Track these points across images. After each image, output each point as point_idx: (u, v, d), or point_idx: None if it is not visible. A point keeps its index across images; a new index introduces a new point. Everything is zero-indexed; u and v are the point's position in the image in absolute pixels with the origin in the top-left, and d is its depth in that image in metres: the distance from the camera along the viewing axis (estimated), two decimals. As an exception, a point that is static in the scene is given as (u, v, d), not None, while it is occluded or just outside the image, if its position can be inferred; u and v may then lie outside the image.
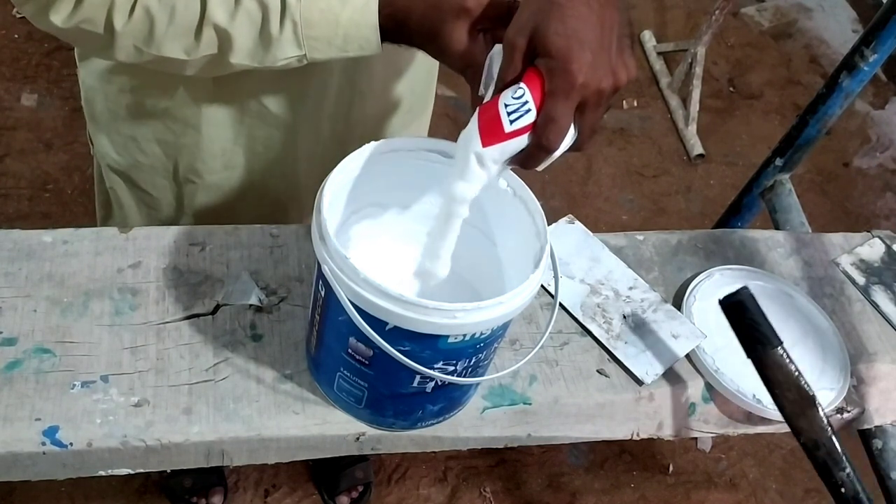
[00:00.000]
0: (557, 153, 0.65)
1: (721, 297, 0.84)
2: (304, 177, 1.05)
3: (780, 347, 0.81)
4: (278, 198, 1.07)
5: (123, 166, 1.03)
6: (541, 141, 0.63)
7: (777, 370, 0.81)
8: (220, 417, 0.79)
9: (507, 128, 0.63)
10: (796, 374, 0.81)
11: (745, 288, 0.83)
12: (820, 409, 0.81)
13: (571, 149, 0.67)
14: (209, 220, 1.03)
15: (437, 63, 1.09)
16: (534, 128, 0.63)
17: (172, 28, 0.73)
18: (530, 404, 0.87)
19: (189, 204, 1.05)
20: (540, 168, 0.67)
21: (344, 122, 1.01)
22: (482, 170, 0.65)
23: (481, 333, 0.69)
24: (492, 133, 0.63)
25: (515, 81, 0.63)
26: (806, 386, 0.81)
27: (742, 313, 0.82)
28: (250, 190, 1.04)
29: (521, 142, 0.64)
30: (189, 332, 0.84)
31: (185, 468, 0.80)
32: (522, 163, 0.66)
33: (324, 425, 0.80)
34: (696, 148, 2.46)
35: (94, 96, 0.98)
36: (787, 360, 0.81)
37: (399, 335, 0.67)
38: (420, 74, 1.06)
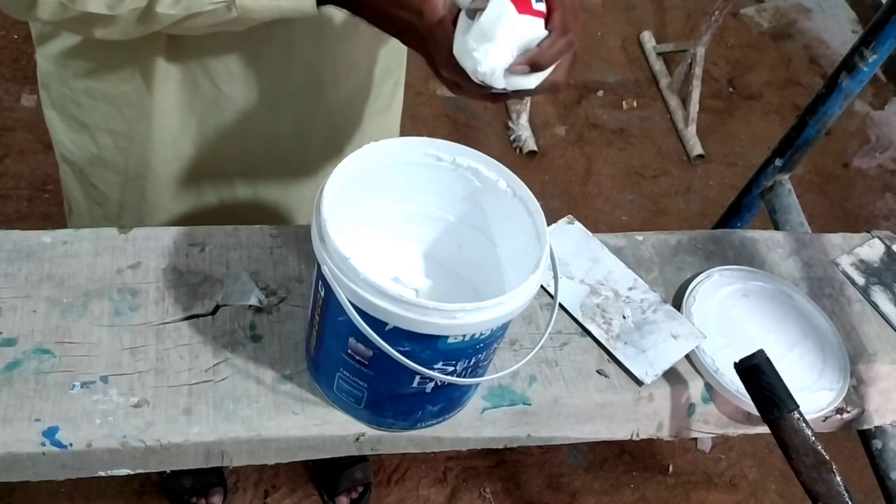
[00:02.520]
0: (544, 74, 0.71)
1: (736, 360, 0.85)
2: (265, 174, 1.03)
3: (796, 412, 0.82)
4: (235, 197, 1.04)
5: (77, 157, 1.01)
6: (553, 47, 0.69)
7: (793, 434, 0.82)
8: (219, 418, 0.79)
9: (534, 5, 0.69)
10: (812, 438, 0.81)
11: (760, 351, 0.84)
12: (836, 474, 0.81)
13: (544, 88, 0.72)
14: (161, 222, 1.02)
15: (402, 63, 1.09)
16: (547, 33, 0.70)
17: None
18: (530, 405, 0.86)
19: (137, 203, 1.03)
20: (531, 84, 0.71)
21: (307, 118, 0.99)
22: (511, 37, 0.68)
23: (481, 334, 0.69)
24: (523, 4, 0.69)
25: None
26: (822, 450, 0.81)
27: (758, 377, 0.83)
28: (206, 186, 1.02)
29: (537, 30, 0.69)
30: (189, 332, 0.84)
31: (184, 468, 0.80)
32: (529, 61, 0.69)
33: (324, 426, 0.80)
34: (696, 148, 2.46)
35: (50, 81, 0.97)
36: (804, 425, 0.82)
37: (399, 335, 0.67)
38: (384, 69, 1.05)
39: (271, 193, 1.05)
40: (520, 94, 0.72)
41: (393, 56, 1.06)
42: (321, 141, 1.03)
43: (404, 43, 0.76)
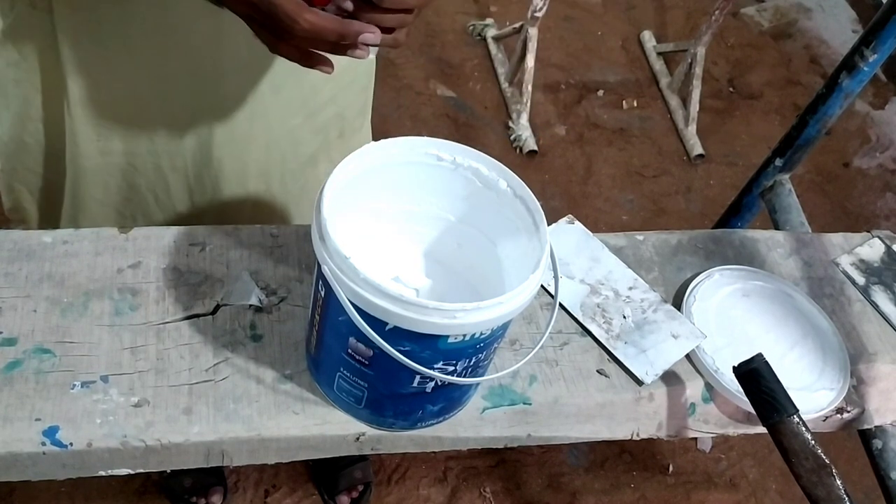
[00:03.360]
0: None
1: (735, 364, 0.85)
2: (199, 175, 1.00)
3: (795, 416, 0.82)
4: (170, 195, 1.01)
5: (10, 148, 0.99)
6: None
7: (793, 438, 0.82)
8: (220, 417, 0.79)
9: None
10: (812, 442, 0.81)
11: (759, 355, 0.83)
12: (837, 477, 0.81)
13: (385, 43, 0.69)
14: (94, 216, 1.01)
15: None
16: None
17: None
18: (530, 404, 0.87)
19: (72, 193, 1.01)
20: (368, 41, 0.67)
21: (242, 122, 0.96)
22: None
23: (481, 333, 0.69)
24: None
25: None
26: (822, 454, 0.81)
27: (757, 381, 0.83)
28: (139, 181, 0.99)
29: None
30: (189, 332, 0.84)
31: (184, 468, 0.80)
32: None
33: (324, 425, 0.80)
34: (696, 148, 2.46)
35: None
36: (803, 429, 0.82)
37: (399, 335, 0.67)
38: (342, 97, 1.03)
39: (206, 195, 1.02)
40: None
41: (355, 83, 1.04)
42: (260, 153, 1.00)
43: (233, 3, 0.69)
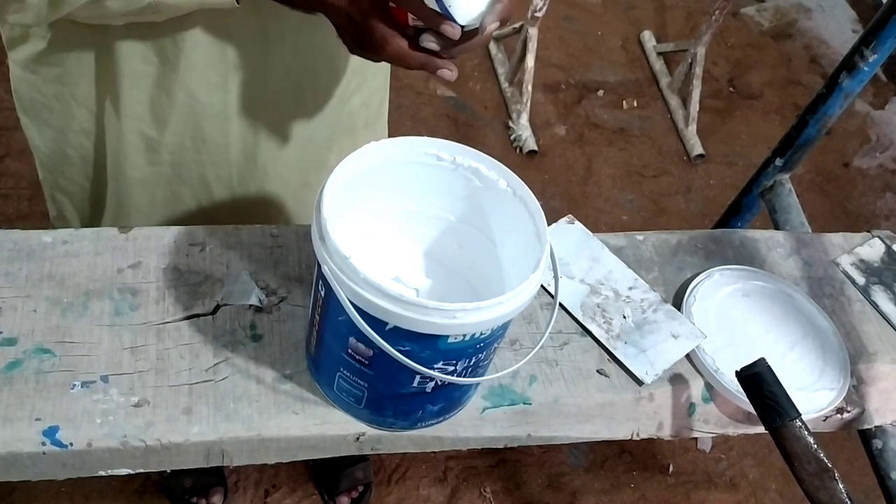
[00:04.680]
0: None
1: (738, 368, 0.85)
2: (243, 180, 1.02)
3: (797, 419, 0.82)
4: (213, 202, 1.03)
5: (53, 161, 1.01)
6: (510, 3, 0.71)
7: (795, 442, 0.82)
8: (220, 417, 0.79)
9: None
10: (815, 446, 0.81)
11: (762, 359, 0.83)
12: (839, 481, 0.81)
13: (471, 46, 0.73)
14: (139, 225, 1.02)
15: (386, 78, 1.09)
16: None
17: None
18: (530, 404, 0.86)
19: (115, 205, 1.02)
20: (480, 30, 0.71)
21: (285, 125, 0.98)
22: None
23: (481, 333, 0.69)
24: None
25: None
26: (825, 458, 0.81)
27: (760, 385, 0.83)
28: (183, 190, 1.01)
29: None
30: (189, 332, 0.84)
31: (184, 468, 0.80)
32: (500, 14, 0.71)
33: (324, 425, 0.80)
34: (696, 148, 2.46)
35: (21, 87, 0.96)
36: (806, 433, 0.82)
37: (399, 335, 0.67)
38: (368, 82, 1.04)
39: (249, 199, 1.04)
40: (449, 46, 0.72)
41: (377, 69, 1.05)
42: (299, 149, 1.02)
43: (332, 12, 0.74)
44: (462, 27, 0.70)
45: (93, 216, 1.07)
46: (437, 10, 0.69)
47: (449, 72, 0.73)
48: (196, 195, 1.02)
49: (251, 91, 0.93)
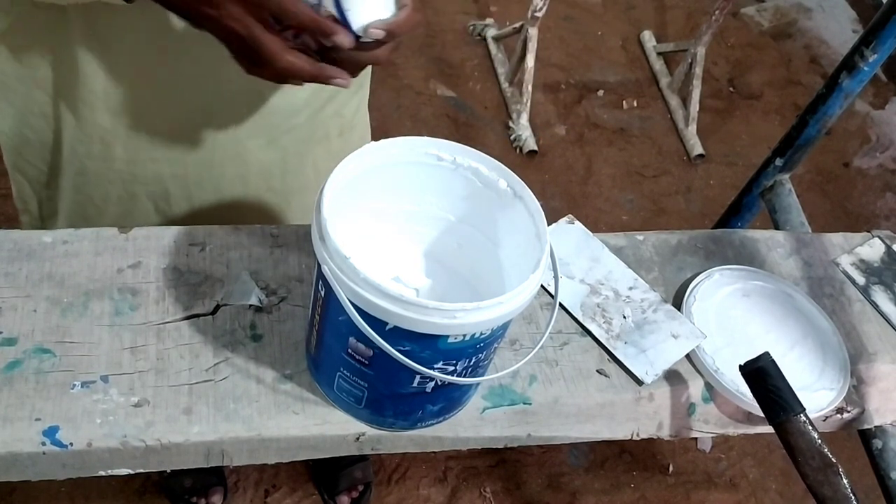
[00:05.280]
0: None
1: (741, 363, 0.84)
2: (200, 181, 1.00)
3: (802, 414, 0.81)
4: (169, 203, 1.02)
5: (14, 142, 0.99)
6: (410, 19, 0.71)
7: (800, 437, 0.82)
8: (220, 417, 0.79)
9: None
10: (819, 441, 0.81)
11: (766, 354, 0.83)
12: (843, 476, 0.81)
13: (370, 58, 0.74)
14: (93, 221, 1.00)
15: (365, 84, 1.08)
16: None
17: None
18: (530, 404, 0.87)
19: (70, 196, 1.01)
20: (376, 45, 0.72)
21: (245, 125, 0.96)
22: None
23: (481, 333, 0.69)
24: None
25: None
26: (829, 453, 0.81)
27: (764, 380, 0.83)
28: (137, 189, 0.99)
29: None
30: (189, 332, 0.84)
31: (184, 468, 0.80)
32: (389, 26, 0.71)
33: (324, 425, 0.80)
34: (696, 148, 2.46)
35: None
36: (810, 427, 0.81)
37: (399, 335, 0.67)
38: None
39: (206, 200, 1.03)
40: (342, 57, 0.72)
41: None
42: (262, 152, 1.00)
43: (215, 27, 0.72)
44: (357, 38, 0.70)
45: (49, 200, 1.05)
46: (335, 14, 0.68)
47: (341, 81, 0.73)
48: (152, 194, 1.00)
49: (208, 88, 0.91)
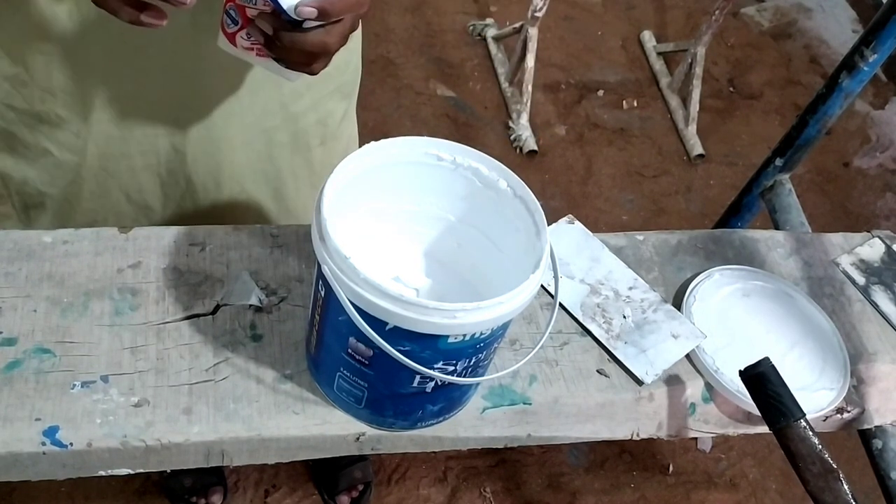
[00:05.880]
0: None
1: (741, 367, 0.84)
2: (174, 179, 0.99)
3: (802, 420, 0.81)
4: (146, 202, 1.01)
5: None
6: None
7: (800, 443, 0.81)
8: (220, 417, 0.79)
9: None
10: (819, 446, 0.81)
11: (766, 359, 0.83)
12: (844, 482, 0.81)
13: (313, 44, 0.71)
14: (76, 218, 1.00)
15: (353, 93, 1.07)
16: None
17: None
18: (530, 404, 0.87)
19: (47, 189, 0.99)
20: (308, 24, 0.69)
21: (219, 125, 0.95)
22: None
23: (481, 333, 0.69)
24: None
25: None
26: (829, 458, 0.81)
27: (764, 385, 0.82)
28: (111, 186, 0.98)
29: None
30: (189, 332, 0.84)
31: (184, 468, 0.80)
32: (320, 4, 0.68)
33: (324, 425, 0.80)
34: (696, 148, 2.46)
35: None
36: (811, 433, 0.81)
37: (399, 335, 0.67)
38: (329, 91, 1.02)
39: (179, 194, 1.02)
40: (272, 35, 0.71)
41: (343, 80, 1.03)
42: (236, 153, 0.99)
43: None
44: (296, 21, 0.68)
45: (25, 195, 1.02)
46: None
47: (155, 20, 0.69)
48: (124, 187, 0.99)
49: (179, 83, 0.90)
